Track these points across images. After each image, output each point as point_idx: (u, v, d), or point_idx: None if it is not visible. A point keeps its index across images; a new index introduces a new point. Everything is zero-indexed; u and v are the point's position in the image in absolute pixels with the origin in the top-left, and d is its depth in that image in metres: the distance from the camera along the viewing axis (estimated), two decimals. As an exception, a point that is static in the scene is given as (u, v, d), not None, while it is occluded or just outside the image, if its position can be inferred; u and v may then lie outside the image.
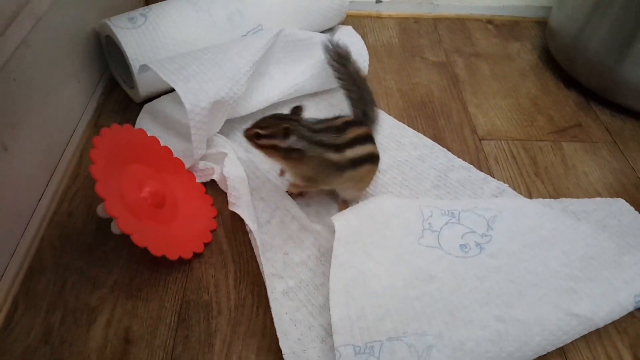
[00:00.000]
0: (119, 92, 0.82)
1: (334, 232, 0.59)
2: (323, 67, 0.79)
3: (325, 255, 0.61)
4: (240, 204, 0.62)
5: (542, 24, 1.06)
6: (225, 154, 0.68)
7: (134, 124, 0.76)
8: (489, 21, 1.07)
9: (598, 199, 0.71)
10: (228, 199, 0.65)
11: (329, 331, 0.53)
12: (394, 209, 0.63)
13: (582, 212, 0.69)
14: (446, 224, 0.63)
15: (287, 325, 0.54)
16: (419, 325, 0.52)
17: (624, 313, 0.56)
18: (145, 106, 0.77)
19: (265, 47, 0.75)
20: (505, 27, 1.05)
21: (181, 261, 0.59)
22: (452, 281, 0.56)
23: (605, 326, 0.56)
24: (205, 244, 0.61)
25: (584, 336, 0.55)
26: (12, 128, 0.57)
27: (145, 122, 0.75)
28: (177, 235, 0.59)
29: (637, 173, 0.76)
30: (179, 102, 0.69)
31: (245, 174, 0.68)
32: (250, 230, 0.61)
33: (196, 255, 0.60)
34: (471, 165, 0.74)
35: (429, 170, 0.73)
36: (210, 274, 0.59)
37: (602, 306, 0.55)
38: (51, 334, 0.53)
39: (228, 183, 0.65)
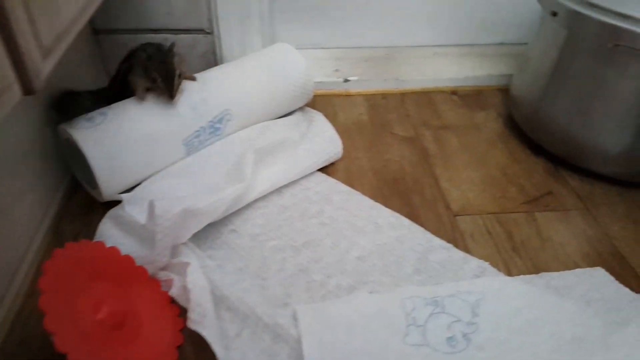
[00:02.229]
0: (81, 194, 0.81)
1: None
2: (295, 161, 0.81)
3: None
4: (206, 323, 0.58)
5: (504, 92, 1.10)
6: (188, 264, 0.65)
7: (97, 229, 0.73)
8: (454, 92, 1.10)
9: (578, 270, 0.71)
10: (189, 315, 0.59)
11: None
12: (374, 307, 0.62)
13: (564, 287, 0.68)
14: (430, 315, 0.62)
15: None
16: None
17: None
18: (109, 212, 0.75)
19: (247, 169, 0.77)
20: (469, 97, 1.09)
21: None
22: None
23: None
24: (174, 360, 0.58)
25: None
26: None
27: (107, 228, 0.72)
28: (138, 356, 0.56)
29: (611, 240, 0.77)
30: (145, 207, 0.69)
31: (208, 285, 0.64)
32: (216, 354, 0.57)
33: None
34: (450, 245, 0.74)
35: (409, 252, 0.73)
36: (185, 392, 0.56)
37: None
38: None
39: (191, 296, 0.60)
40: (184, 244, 0.70)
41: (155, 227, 0.63)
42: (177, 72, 0.76)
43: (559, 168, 0.90)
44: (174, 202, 0.65)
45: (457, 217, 0.80)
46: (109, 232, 0.72)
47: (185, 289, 0.63)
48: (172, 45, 0.77)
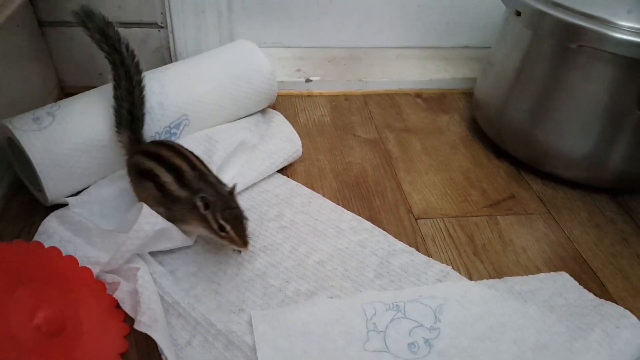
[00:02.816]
0: (24, 194, 0.75)
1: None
2: (253, 163, 0.80)
3: None
4: (157, 327, 0.54)
5: (468, 95, 1.09)
6: (138, 268, 0.61)
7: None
8: (418, 95, 1.09)
9: (542, 274, 0.70)
10: (140, 318, 0.56)
11: None
12: (333, 314, 0.59)
13: (527, 292, 0.67)
14: (391, 320, 0.60)
15: None
16: None
17: None
18: (55, 212, 0.70)
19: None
20: (433, 100, 1.07)
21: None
22: None
23: None
24: (122, 354, 0.54)
25: None
26: None
27: (52, 226, 0.67)
28: (78, 362, 0.51)
29: (573, 244, 0.76)
30: (96, 212, 0.68)
31: (158, 290, 0.61)
32: None
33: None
34: (412, 249, 0.72)
35: (371, 257, 0.70)
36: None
37: None
38: None
39: (141, 299, 0.57)
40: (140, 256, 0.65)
41: (127, 236, 0.60)
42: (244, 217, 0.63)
43: (522, 172, 0.89)
44: (155, 218, 0.62)
45: (419, 221, 0.77)
46: (53, 229, 0.67)
47: (132, 293, 0.60)
48: (234, 187, 0.64)
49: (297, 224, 0.74)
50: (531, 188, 0.86)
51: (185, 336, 0.58)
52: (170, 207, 0.63)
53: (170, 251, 0.68)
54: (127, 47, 0.71)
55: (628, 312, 0.63)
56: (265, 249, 0.70)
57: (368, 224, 0.75)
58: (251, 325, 0.59)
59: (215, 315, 0.60)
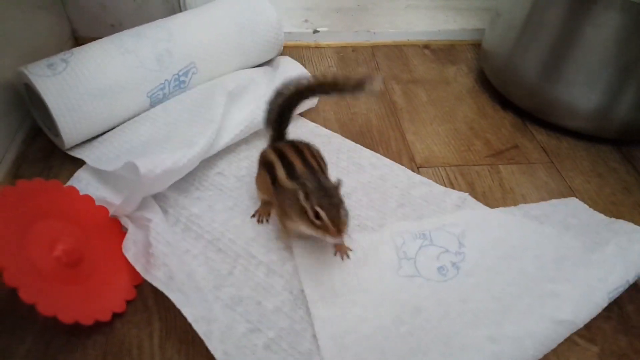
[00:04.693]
0: (42, 139, 0.78)
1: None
2: (267, 96, 0.78)
3: (299, 298, 0.59)
4: (173, 286, 0.56)
5: (476, 47, 1.08)
6: (150, 220, 0.63)
7: (58, 172, 0.72)
8: (426, 46, 1.08)
9: (554, 200, 0.74)
10: (153, 272, 0.57)
11: None
12: (366, 246, 0.63)
13: (542, 215, 0.70)
14: (420, 248, 0.64)
15: None
16: None
17: (600, 310, 0.58)
18: (86, 165, 0.73)
19: (217, 110, 0.75)
20: (441, 52, 1.06)
21: (101, 323, 0.55)
22: (439, 309, 0.57)
23: (546, 355, 0.55)
24: (129, 301, 0.58)
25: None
26: None
27: (84, 176, 0.72)
28: (94, 295, 0.55)
29: (574, 192, 0.77)
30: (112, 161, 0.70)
31: (175, 246, 0.62)
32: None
33: (118, 314, 0.56)
34: (430, 180, 0.76)
35: (392, 189, 0.74)
36: (134, 335, 0.55)
37: (582, 308, 0.56)
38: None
39: (155, 253, 0.59)
40: (157, 197, 0.69)
41: (135, 182, 0.62)
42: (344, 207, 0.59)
43: (527, 123, 0.90)
44: (156, 161, 0.64)
45: (421, 169, 0.79)
46: (85, 177, 0.71)
47: (136, 242, 0.62)
48: (339, 182, 0.60)
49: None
50: (535, 138, 0.87)
51: (227, 267, 0.62)
52: (279, 198, 0.63)
53: (207, 188, 0.72)
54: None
55: (639, 228, 0.65)
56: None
57: (387, 160, 0.79)
58: (290, 253, 0.63)
59: (255, 245, 0.64)
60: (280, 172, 0.63)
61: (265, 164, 0.66)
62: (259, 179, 0.69)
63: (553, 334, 0.55)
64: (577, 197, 0.75)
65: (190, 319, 0.53)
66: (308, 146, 0.68)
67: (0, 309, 0.57)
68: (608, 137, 0.86)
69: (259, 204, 0.70)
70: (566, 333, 0.56)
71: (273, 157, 0.65)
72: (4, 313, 0.56)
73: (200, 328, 0.53)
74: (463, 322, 0.56)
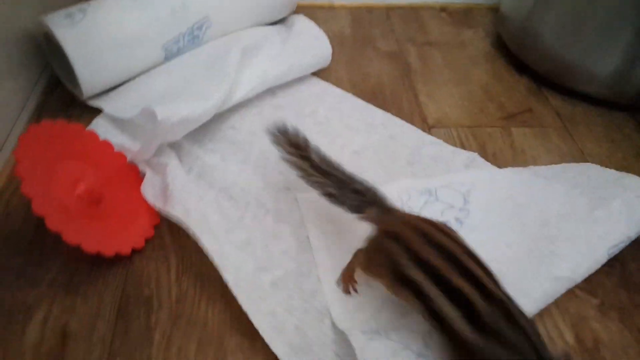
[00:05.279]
0: (62, 89, 0.80)
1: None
2: (283, 57, 0.81)
3: (305, 244, 0.61)
4: (190, 220, 0.58)
5: (494, 10, 1.07)
6: (166, 165, 0.65)
7: (77, 122, 0.73)
8: (443, 9, 1.07)
9: (565, 164, 0.73)
10: (169, 209, 0.60)
11: (324, 313, 0.54)
12: None
13: (552, 175, 0.70)
14: (425, 203, 0.65)
15: (282, 316, 0.54)
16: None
17: (599, 266, 0.58)
18: (104, 113, 0.76)
19: (232, 65, 0.76)
20: (458, 15, 1.06)
21: (121, 257, 0.58)
22: None
23: (547, 306, 0.56)
24: (147, 240, 0.60)
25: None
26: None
27: (103, 122, 0.74)
28: (115, 231, 0.58)
29: (585, 156, 0.77)
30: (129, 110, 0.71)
31: (190, 187, 0.64)
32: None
33: (137, 251, 0.59)
34: (440, 140, 0.76)
35: (402, 148, 0.75)
36: (152, 269, 0.58)
37: (581, 264, 0.57)
38: (-16, 335, 0.52)
39: (172, 194, 0.61)
40: (172, 146, 0.70)
41: (152, 129, 0.64)
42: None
43: (542, 87, 0.89)
44: (174, 109, 0.65)
45: (432, 130, 0.80)
46: (103, 124, 0.73)
47: (155, 186, 0.64)
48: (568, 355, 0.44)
49: (331, 120, 0.79)
50: (550, 103, 0.86)
51: (237, 213, 0.64)
52: (452, 353, 0.45)
53: (219, 141, 0.74)
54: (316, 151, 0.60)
55: None
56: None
57: (398, 120, 0.79)
58: (299, 206, 0.65)
59: (265, 195, 0.66)
60: (452, 314, 0.42)
61: (403, 279, 0.47)
62: (398, 292, 0.49)
63: (550, 291, 0.55)
64: (588, 161, 0.76)
65: (206, 247, 0.55)
66: (465, 248, 0.47)
67: (29, 239, 0.60)
68: (624, 104, 0.85)
69: (268, 155, 0.71)
70: (564, 289, 0.57)
71: (418, 276, 0.45)
72: (32, 244, 0.60)
73: (216, 258, 0.55)
74: None
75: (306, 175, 0.59)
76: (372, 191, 0.57)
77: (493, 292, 0.43)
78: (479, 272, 0.44)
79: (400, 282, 0.47)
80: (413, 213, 0.56)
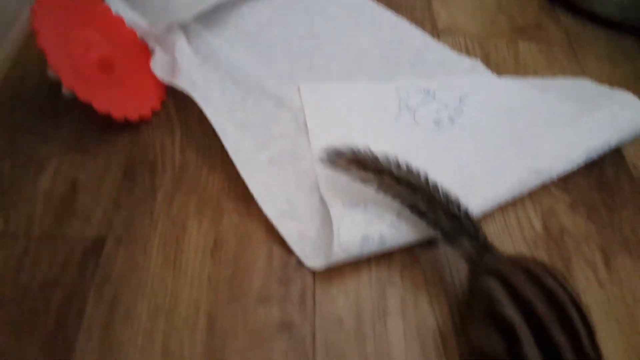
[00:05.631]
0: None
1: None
2: None
3: (303, 129, 0.64)
4: (196, 91, 0.60)
5: None
6: (175, 41, 0.67)
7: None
8: None
9: (562, 77, 0.75)
10: (176, 81, 0.62)
11: (315, 189, 0.57)
12: (372, 94, 0.67)
13: (547, 85, 0.72)
14: (422, 101, 0.67)
15: (275, 188, 0.57)
16: None
17: (575, 166, 0.61)
18: None
19: None
20: None
21: (129, 125, 0.61)
22: (428, 154, 0.59)
23: (522, 197, 0.60)
24: (154, 113, 0.63)
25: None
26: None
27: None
28: (124, 98, 0.61)
29: (585, 75, 0.77)
30: None
31: (198, 62, 0.66)
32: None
33: (144, 121, 0.62)
34: (446, 46, 0.77)
35: (407, 50, 0.76)
36: (157, 137, 0.62)
37: (559, 162, 0.60)
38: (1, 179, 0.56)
39: (179, 68, 0.64)
40: (181, 27, 0.71)
41: (162, 6, 0.66)
42: None
43: (555, 5, 0.88)
44: None
45: (441, 36, 0.80)
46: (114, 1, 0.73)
47: (163, 61, 0.66)
48: None
49: (340, 18, 0.79)
50: (560, 22, 0.86)
51: (238, 98, 0.66)
52: None
53: (227, 27, 0.74)
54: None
55: (636, 99, 0.66)
56: (312, 35, 0.75)
57: (407, 24, 0.80)
58: (300, 94, 0.67)
59: (267, 81, 0.68)
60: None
61: (495, 317, 0.43)
62: (475, 333, 0.46)
63: (527, 180, 0.59)
64: (589, 78, 0.77)
65: (209, 116, 0.59)
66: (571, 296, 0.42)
67: (44, 96, 0.63)
68: (636, 27, 0.84)
69: (275, 46, 0.72)
70: (539, 181, 0.60)
71: (515, 317, 0.41)
72: (44, 107, 0.63)
73: (217, 126, 0.59)
74: (445, 169, 0.55)
75: (386, 189, 0.52)
76: (467, 216, 0.49)
77: (588, 354, 0.40)
78: (580, 329, 0.40)
79: (491, 318, 0.43)
80: (521, 254, 0.51)
